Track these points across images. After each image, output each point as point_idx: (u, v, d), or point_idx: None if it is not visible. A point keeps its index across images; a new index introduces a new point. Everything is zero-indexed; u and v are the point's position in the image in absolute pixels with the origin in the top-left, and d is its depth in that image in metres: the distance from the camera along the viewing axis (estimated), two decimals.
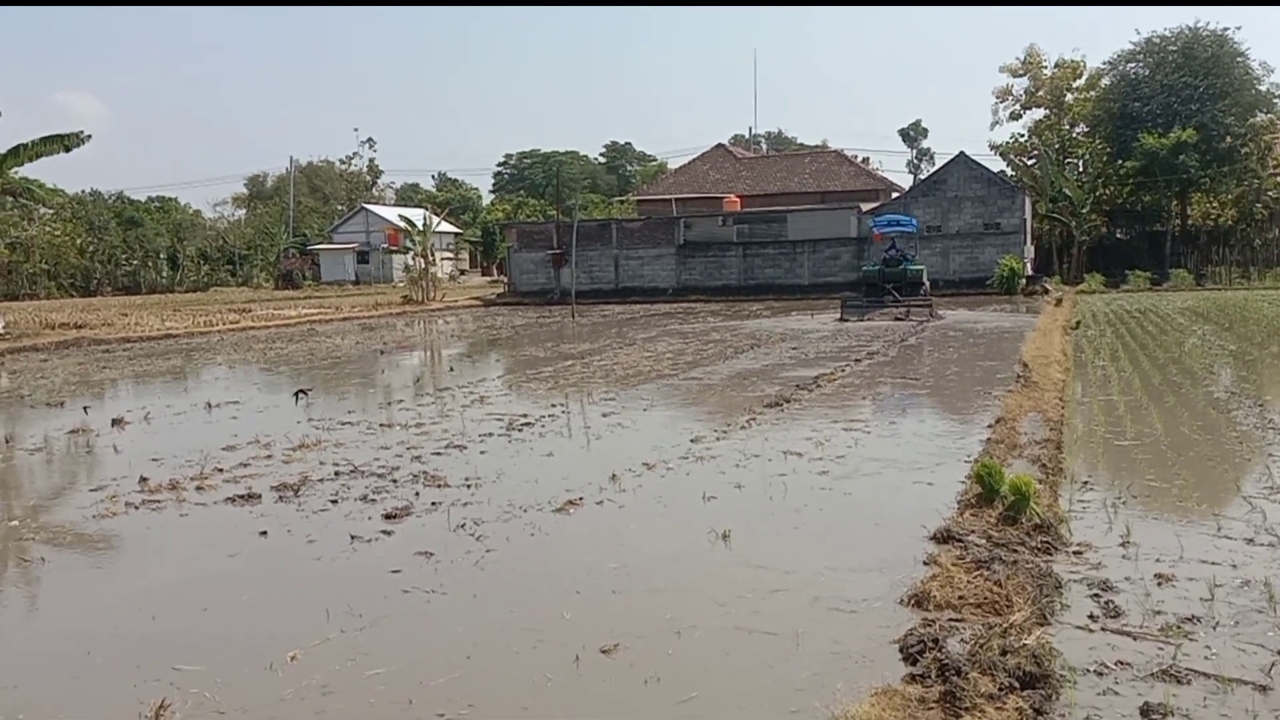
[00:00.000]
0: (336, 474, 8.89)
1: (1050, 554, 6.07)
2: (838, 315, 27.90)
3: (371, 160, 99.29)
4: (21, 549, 7.06)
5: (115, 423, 12.29)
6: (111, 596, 6.01)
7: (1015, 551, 6.00)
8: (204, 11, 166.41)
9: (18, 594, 6.35)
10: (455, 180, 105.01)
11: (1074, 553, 6.12)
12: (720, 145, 58.78)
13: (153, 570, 6.55)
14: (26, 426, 12.78)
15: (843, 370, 15.57)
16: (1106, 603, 5.24)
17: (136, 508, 7.95)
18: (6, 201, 33.21)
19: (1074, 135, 52.39)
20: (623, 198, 74.34)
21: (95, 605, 5.87)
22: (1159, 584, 5.51)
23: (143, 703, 4.32)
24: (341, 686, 4.51)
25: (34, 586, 6.42)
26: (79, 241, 61.75)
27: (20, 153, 26.56)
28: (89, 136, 27.37)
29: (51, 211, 56.59)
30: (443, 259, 63.28)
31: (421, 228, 44.64)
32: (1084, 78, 51.20)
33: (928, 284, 30.43)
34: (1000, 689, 4.08)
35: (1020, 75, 52.74)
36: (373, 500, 7.89)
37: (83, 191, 74.80)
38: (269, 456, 9.80)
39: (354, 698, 4.41)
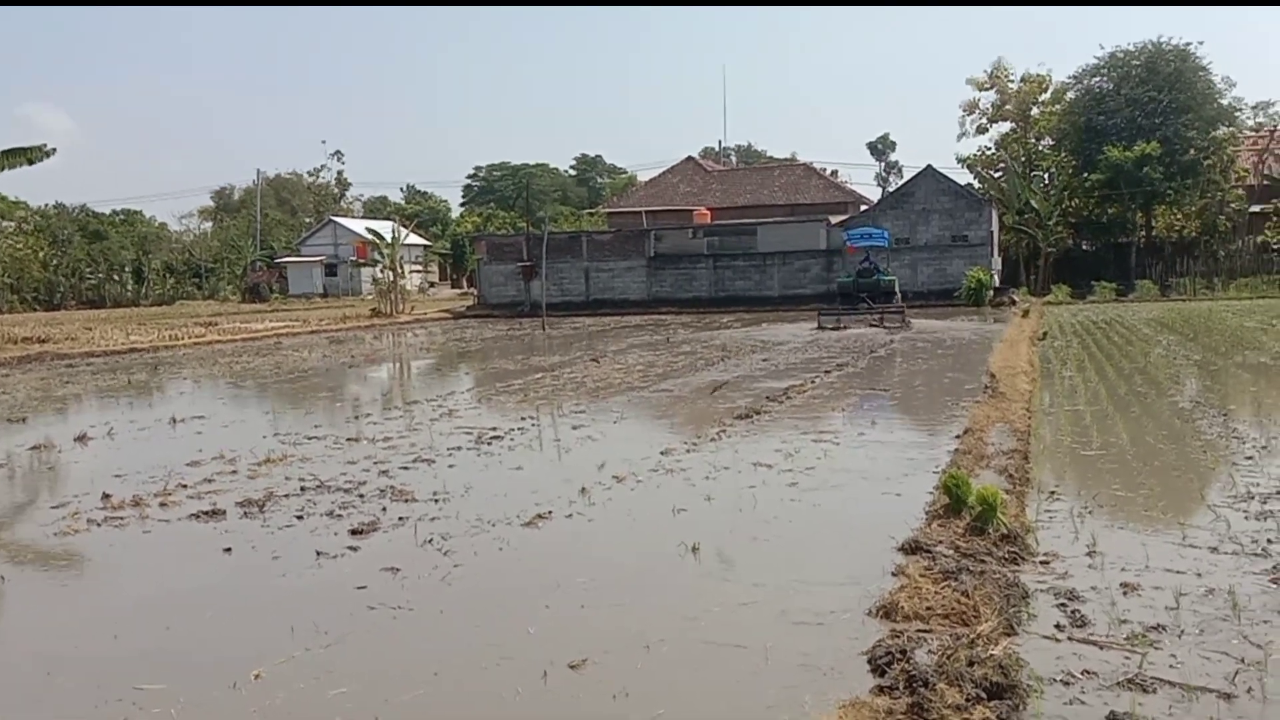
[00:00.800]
0: (302, 489, 8.80)
1: (1017, 564, 6.10)
2: (814, 325, 28.48)
3: (339, 173, 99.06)
4: None
5: (78, 439, 12.12)
6: (72, 615, 5.90)
7: (983, 562, 6.02)
8: (171, 23, 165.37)
9: None
10: (424, 193, 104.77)
11: (1041, 562, 6.15)
12: (690, 158, 59.01)
13: (115, 588, 6.45)
14: None
15: (813, 382, 15.62)
16: (1073, 612, 5.27)
17: (99, 525, 7.83)
18: None
19: (1040, 148, 52.97)
20: (593, 210, 74.41)
21: (55, 624, 5.76)
22: (1125, 593, 5.54)
23: None
24: (305, 705, 4.45)
25: None
26: (42, 255, 61.04)
27: None
28: (53, 150, 27.18)
29: (13, 225, 56.05)
30: (412, 271, 63.10)
31: (390, 240, 44.46)
32: (1050, 91, 51.82)
33: (899, 294, 31.35)
34: (967, 700, 4.09)
35: (987, 89, 53.33)
36: (339, 516, 7.81)
37: (46, 205, 74.04)
38: (234, 472, 9.69)
39: (318, 715, 4.35)
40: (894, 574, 5.88)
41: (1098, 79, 48.13)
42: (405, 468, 9.67)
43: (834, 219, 43.12)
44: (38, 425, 13.81)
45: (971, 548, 6.29)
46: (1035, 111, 52.33)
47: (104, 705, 4.47)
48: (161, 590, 6.28)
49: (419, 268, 74.02)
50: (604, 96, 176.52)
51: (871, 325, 27.52)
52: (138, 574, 6.69)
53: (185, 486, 9.03)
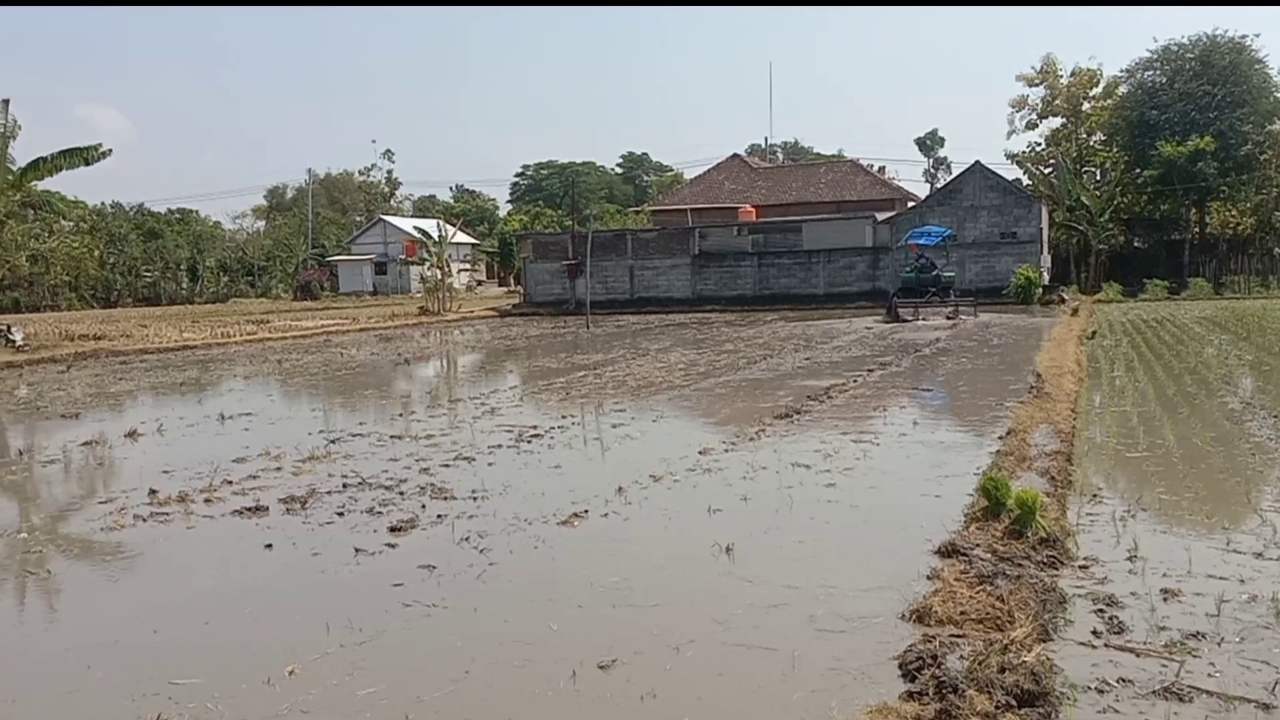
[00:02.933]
0: (344, 486, 8.91)
1: (1056, 568, 6.02)
2: (864, 322, 29.65)
3: (389, 172, 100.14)
4: (28, 561, 7.11)
5: (129, 435, 12.37)
6: (114, 609, 6.02)
7: (1020, 566, 5.95)
8: (223, 25, 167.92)
9: (22, 606, 6.39)
10: (473, 191, 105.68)
11: (1080, 567, 6.06)
12: (736, 155, 58.80)
13: (157, 583, 6.58)
14: (43, 438, 12.87)
15: (855, 381, 15.52)
16: (1111, 618, 5.19)
17: (145, 520, 7.99)
18: (28, 214, 33.45)
19: (1091, 144, 52.22)
20: (638, 208, 74.45)
21: (97, 618, 5.89)
22: (1165, 599, 5.45)
23: (139, 717, 4.33)
24: (337, 701, 4.50)
25: (38, 599, 6.45)
26: (99, 253, 62.25)
27: (40, 166, 26.83)
28: (109, 151, 27.64)
29: (72, 224, 57.22)
30: (459, 270, 63.50)
31: (438, 239, 44.82)
32: (1101, 86, 51.08)
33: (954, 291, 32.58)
34: (997, 707, 4.04)
35: (1036, 84, 52.66)
36: (379, 513, 7.90)
37: (104, 204, 75.60)
38: (278, 469, 9.83)
39: (350, 712, 4.40)
40: (929, 577, 5.83)
41: (1150, 73, 47.33)
42: (446, 465, 9.76)
43: (880, 216, 42.78)
44: (90, 421, 14.11)
45: (1009, 551, 6.22)
46: (1086, 106, 51.59)
47: (141, 699, 4.55)
48: (202, 586, 6.39)
49: (466, 266, 74.54)
50: (651, 94, 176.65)
51: (949, 318, 29.51)
52: (180, 570, 6.81)
53: (230, 483, 9.19)
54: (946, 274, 32.24)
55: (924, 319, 29.26)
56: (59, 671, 5.05)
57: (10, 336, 25.84)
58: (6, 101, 26.30)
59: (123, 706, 4.50)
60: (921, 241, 33.35)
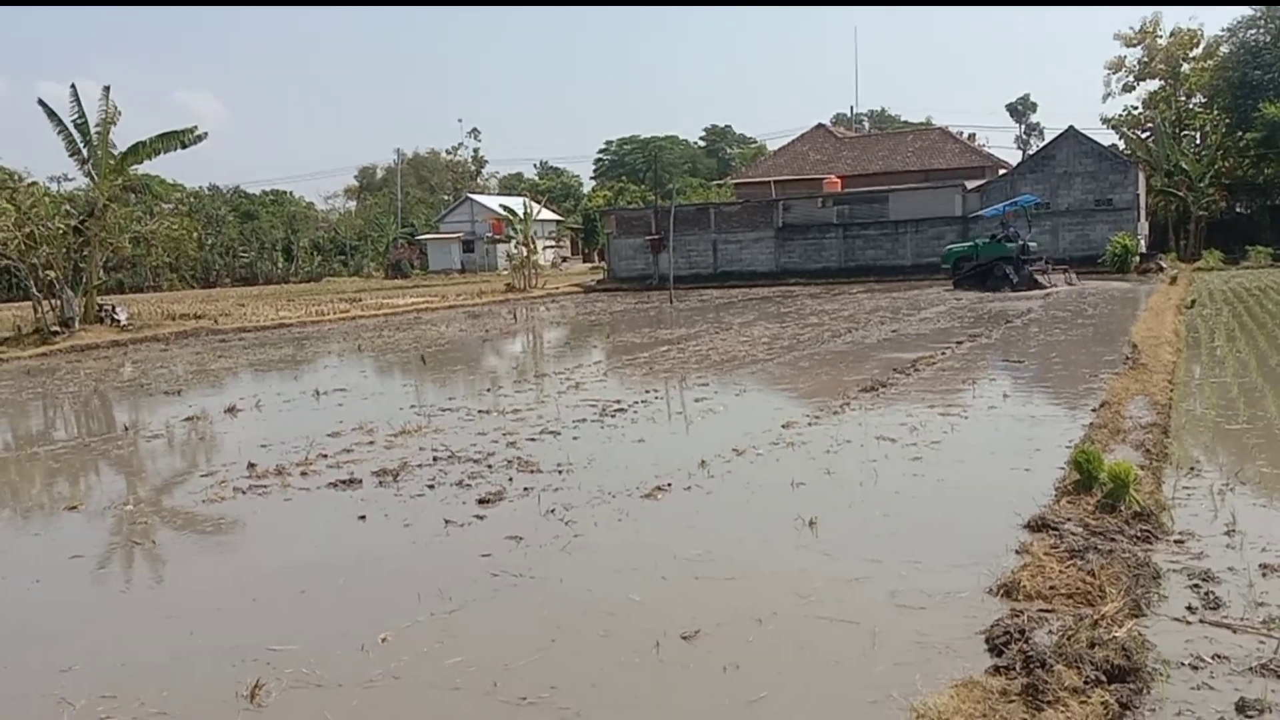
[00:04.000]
0: (435, 459, 9.10)
1: (1150, 543, 5.88)
2: (988, 288, 29.50)
3: (476, 150, 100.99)
4: (134, 532, 7.42)
5: (228, 410, 12.79)
6: (215, 578, 6.26)
7: (1112, 540, 5.83)
8: (311, 11, 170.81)
9: (128, 575, 6.68)
10: (557, 168, 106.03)
11: (1175, 541, 5.92)
12: (821, 125, 57.97)
13: (255, 553, 6.82)
14: (147, 414, 13.38)
15: (942, 353, 15.28)
16: (1206, 594, 5.07)
17: (244, 493, 8.27)
18: (129, 198, 34.58)
19: (1190, 106, 50.32)
20: (721, 181, 73.97)
21: (199, 586, 6.13)
22: (1264, 575, 5.30)
23: (240, 682, 4.51)
24: (428, 668, 4.63)
25: (143, 568, 6.74)
26: (197, 235, 64.09)
27: (139, 150, 27.68)
28: (205, 134, 28.39)
29: (171, 206, 58.96)
30: (545, 246, 63.96)
31: (523, 216, 45.18)
32: (1201, 46, 49.15)
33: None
34: (1085, 682, 3.98)
35: (1134, 45, 50.86)
36: (468, 485, 8.06)
37: (201, 187, 77.79)
38: (371, 443, 10.08)
39: (440, 678, 4.52)
40: (1017, 552, 5.76)
41: (1254, 31, 45.39)
42: (532, 439, 9.89)
43: (970, 184, 41.81)
44: (192, 398, 14.61)
45: (1101, 526, 6.10)
46: (1186, 68, 49.70)
47: (241, 664, 4.74)
48: (298, 556, 6.61)
49: (551, 243, 75.00)
50: (734, 65, 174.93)
51: (1069, 284, 29.95)
52: (277, 540, 7.05)
53: (325, 456, 9.45)
54: (1032, 243, 31.48)
55: (1055, 285, 29.25)
56: (163, 638, 5.28)
57: (115, 316, 26.83)
58: (107, 88, 27.15)
59: (224, 672, 4.69)
60: (1012, 208, 32.52)
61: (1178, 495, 6.84)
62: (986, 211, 34.05)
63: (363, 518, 7.33)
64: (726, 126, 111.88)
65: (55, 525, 7.88)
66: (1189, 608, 4.91)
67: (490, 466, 8.72)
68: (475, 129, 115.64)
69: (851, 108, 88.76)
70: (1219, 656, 4.35)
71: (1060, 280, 30.23)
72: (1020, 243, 30.65)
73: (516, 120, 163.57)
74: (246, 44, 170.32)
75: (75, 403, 15.17)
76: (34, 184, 32.57)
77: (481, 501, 7.55)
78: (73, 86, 27.08)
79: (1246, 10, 46.05)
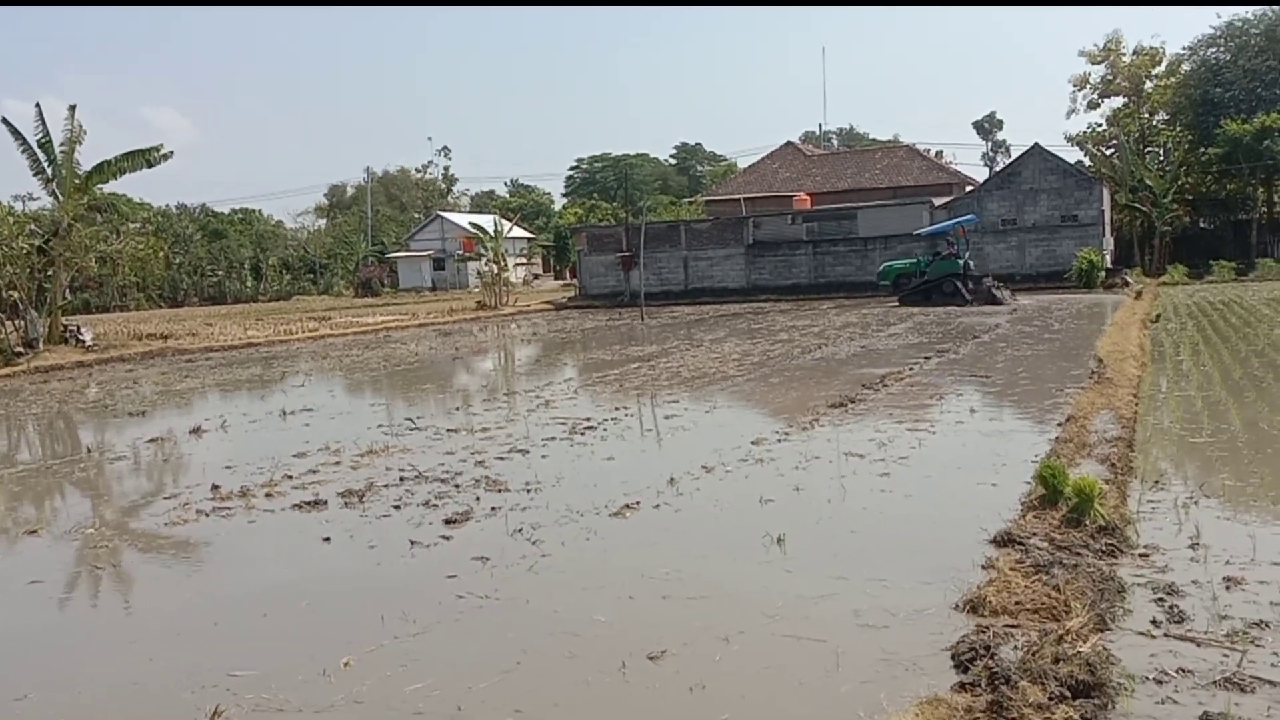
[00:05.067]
0: (401, 480, 9.03)
1: (1115, 557, 5.91)
2: (940, 304, 30.33)
3: (446, 168, 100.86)
4: (95, 556, 7.30)
5: (193, 431, 12.64)
6: (175, 602, 6.16)
7: (1077, 555, 5.86)
8: (280, 26, 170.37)
9: (88, 599, 6.57)
10: (528, 186, 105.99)
11: (1140, 555, 5.95)
12: (790, 143, 58.38)
13: (218, 576, 6.72)
14: (112, 435, 13.20)
15: (910, 369, 15.36)
16: (1171, 607, 5.09)
17: (207, 515, 8.17)
18: (95, 217, 34.25)
19: (1154, 123, 51.10)
20: (692, 199, 74.21)
21: (160, 610, 6.03)
22: (1228, 587, 5.33)
23: (199, 708, 4.43)
24: (390, 692, 4.57)
25: (103, 593, 6.63)
26: (164, 254, 63.54)
27: (105, 169, 27.42)
28: (171, 153, 28.17)
29: (138, 224, 58.44)
30: (516, 264, 63.80)
31: (494, 234, 45.11)
32: (1164, 64, 49.90)
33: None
34: (1050, 698, 3.99)
35: (1099, 61, 51.56)
36: (434, 505, 8.00)
37: (168, 205, 77.16)
38: (338, 463, 9.99)
39: (402, 703, 4.46)
40: (984, 567, 5.77)
41: (1214, 49, 46.24)
42: (500, 458, 9.84)
43: (938, 201, 42.18)
44: (157, 418, 14.44)
45: (1066, 540, 6.13)
46: (1149, 85, 50.45)
47: (200, 690, 4.66)
48: (261, 579, 6.52)
49: (523, 260, 74.88)
50: (704, 84, 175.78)
51: (989, 303, 30.13)
52: (240, 563, 6.95)
53: (290, 477, 9.35)
54: (970, 261, 32.07)
55: (972, 305, 29.74)
56: (123, 664, 5.19)
57: (80, 337, 26.51)
58: (73, 107, 26.89)
59: (183, 698, 4.61)
60: (941, 230, 33.29)
61: (1142, 509, 6.89)
62: (923, 231, 34.77)
63: (327, 539, 7.25)
64: (697, 144, 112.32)
65: (14, 550, 7.74)
66: (1153, 621, 4.93)
67: (458, 486, 8.66)
68: (445, 147, 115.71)
69: (820, 125, 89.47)
70: (1183, 670, 4.37)
71: (1007, 295, 30.99)
72: (963, 260, 31.26)
73: (487, 138, 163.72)
74: (214, 60, 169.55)
75: (39, 425, 14.96)
76: None
77: (448, 522, 7.49)
78: (37, 105, 26.93)
79: (1206, 29, 46.90)
